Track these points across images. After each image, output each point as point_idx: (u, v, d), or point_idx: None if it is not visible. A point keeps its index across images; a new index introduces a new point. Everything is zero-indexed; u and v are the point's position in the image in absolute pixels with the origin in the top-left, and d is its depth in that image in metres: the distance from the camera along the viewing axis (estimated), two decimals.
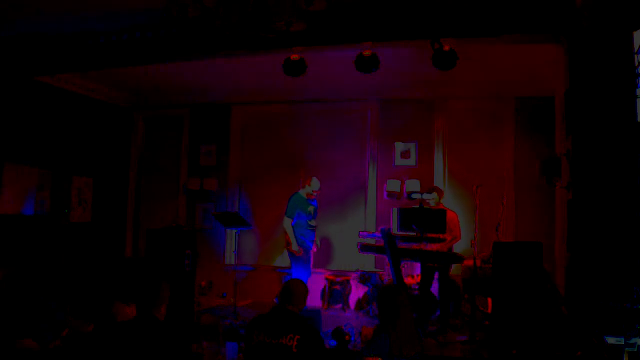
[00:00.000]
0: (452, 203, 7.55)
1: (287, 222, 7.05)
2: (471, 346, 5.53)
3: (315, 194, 7.11)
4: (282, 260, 8.02)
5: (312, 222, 7.15)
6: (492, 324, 5.27)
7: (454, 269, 6.77)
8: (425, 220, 6.19)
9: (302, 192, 7.15)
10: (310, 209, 7.14)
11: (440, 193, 6.86)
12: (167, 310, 3.54)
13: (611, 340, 3.65)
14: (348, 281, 7.51)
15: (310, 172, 8.08)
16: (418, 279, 6.88)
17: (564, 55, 5.03)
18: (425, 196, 6.84)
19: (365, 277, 7.22)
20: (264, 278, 8.23)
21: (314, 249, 7.26)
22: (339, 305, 7.37)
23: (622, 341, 3.59)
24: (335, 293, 7.39)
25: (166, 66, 6.93)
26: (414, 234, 6.26)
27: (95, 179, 8.56)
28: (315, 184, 7.08)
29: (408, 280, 6.92)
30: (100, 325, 4.16)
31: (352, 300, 7.53)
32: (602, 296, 4.20)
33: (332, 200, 8.06)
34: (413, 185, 7.69)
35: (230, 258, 8.29)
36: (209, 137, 8.78)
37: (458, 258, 6.38)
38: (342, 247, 7.99)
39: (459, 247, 6.92)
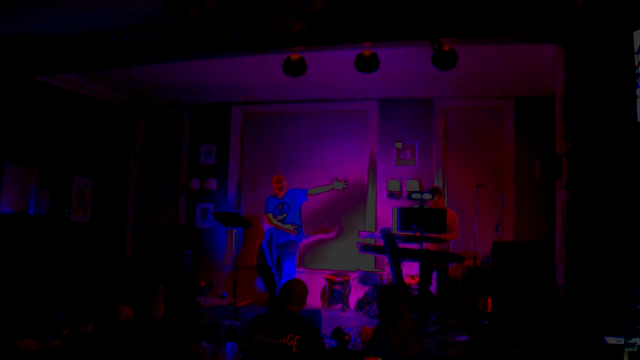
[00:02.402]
0: (452, 203, 7.55)
1: (269, 217, 7.37)
2: (471, 346, 5.53)
3: (277, 188, 7.31)
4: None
5: (279, 217, 7.29)
6: (492, 324, 5.27)
7: (454, 269, 6.78)
8: (425, 220, 6.19)
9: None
10: (277, 205, 7.33)
11: (437, 193, 6.85)
12: (167, 310, 3.54)
13: (611, 340, 3.64)
14: (348, 281, 7.51)
15: (310, 171, 8.12)
16: (418, 279, 6.88)
17: (564, 55, 5.03)
18: (425, 196, 6.85)
19: (365, 277, 7.22)
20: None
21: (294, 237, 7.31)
22: (339, 305, 7.37)
23: (622, 341, 3.58)
24: (335, 293, 7.40)
25: (166, 66, 6.94)
26: (414, 233, 6.26)
27: (95, 179, 8.56)
28: (275, 181, 7.38)
29: (408, 280, 6.92)
30: (100, 325, 4.16)
31: (352, 300, 7.53)
32: (602, 296, 4.20)
33: (332, 200, 8.07)
34: (413, 185, 7.70)
35: (230, 258, 8.29)
36: (209, 137, 8.78)
37: (458, 258, 6.38)
38: (342, 247, 7.99)
39: (459, 247, 6.93)
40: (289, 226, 7.20)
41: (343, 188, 7.29)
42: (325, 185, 7.43)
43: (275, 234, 7.33)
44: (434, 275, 6.58)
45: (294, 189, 7.47)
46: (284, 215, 7.29)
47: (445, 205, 7.18)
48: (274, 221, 7.28)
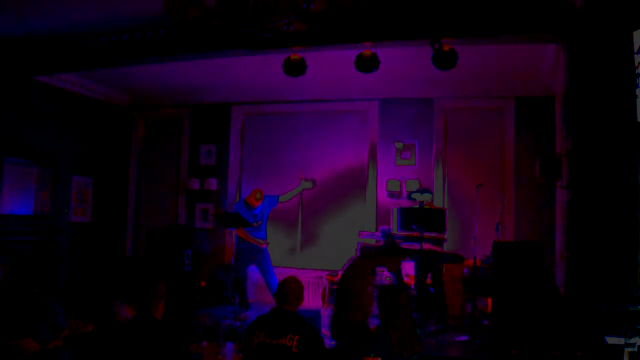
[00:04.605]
0: (452, 203, 7.56)
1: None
2: (471, 346, 5.53)
3: (255, 199, 7.08)
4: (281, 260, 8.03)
5: (254, 224, 7.14)
6: (492, 324, 5.27)
7: (454, 269, 6.77)
8: (425, 220, 6.19)
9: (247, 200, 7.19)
10: (251, 215, 7.12)
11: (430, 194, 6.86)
12: (167, 310, 3.54)
13: (611, 340, 3.64)
14: None
15: (310, 171, 8.11)
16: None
17: (564, 55, 5.03)
18: (425, 196, 6.85)
19: None
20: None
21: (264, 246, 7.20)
22: None
23: (622, 341, 3.58)
24: (335, 293, 7.38)
25: (166, 66, 6.95)
26: (414, 233, 6.26)
27: (95, 179, 8.56)
28: (254, 194, 7.12)
29: (408, 280, 6.92)
30: (100, 325, 4.16)
31: None
32: (602, 296, 4.20)
33: (332, 200, 8.07)
34: (413, 185, 7.69)
35: (230, 258, 8.29)
36: (209, 137, 8.78)
37: (458, 258, 6.38)
38: (342, 247, 7.98)
39: (459, 247, 6.92)
40: (260, 240, 7.09)
41: (312, 187, 7.37)
42: (295, 188, 7.40)
43: (243, 246, 7.13)
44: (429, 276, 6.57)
45: (266, 196, 7.23)
46: (259, 222, 7.12)
47: (434, 205, 7.15)
48: (243, 232, 7.06)
